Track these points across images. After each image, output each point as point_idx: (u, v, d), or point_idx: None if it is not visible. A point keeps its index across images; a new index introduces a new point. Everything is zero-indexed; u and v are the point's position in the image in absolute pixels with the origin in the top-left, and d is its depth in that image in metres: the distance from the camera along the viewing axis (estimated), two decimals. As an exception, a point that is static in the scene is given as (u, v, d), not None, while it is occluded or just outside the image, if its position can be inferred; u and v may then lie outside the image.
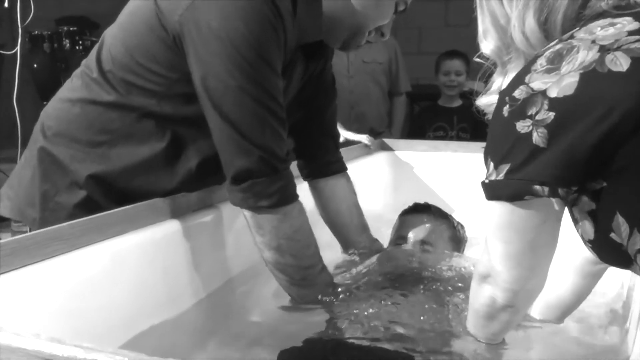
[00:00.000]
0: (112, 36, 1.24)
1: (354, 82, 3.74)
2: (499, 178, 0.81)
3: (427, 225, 1.46)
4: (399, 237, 1.48)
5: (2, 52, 3.51)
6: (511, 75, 0.87)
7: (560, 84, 0.75)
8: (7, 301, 0.87)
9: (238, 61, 1.08)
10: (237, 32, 1.07)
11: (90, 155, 1.21)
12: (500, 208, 0.85)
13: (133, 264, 1.14)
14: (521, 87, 0.79)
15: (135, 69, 1.18)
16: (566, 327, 1.17)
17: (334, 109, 1.57)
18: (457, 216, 1.69)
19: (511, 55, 0.92)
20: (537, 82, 0.77)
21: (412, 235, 1.45)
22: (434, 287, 1.26)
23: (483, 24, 1.01)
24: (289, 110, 1.31)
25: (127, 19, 1.24)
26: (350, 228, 1.57)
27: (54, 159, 1.23)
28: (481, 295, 0.95)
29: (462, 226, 1.59)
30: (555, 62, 0.77)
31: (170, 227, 1.24)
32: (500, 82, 0.95)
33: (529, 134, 0.77)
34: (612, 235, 0.77)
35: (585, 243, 0.84)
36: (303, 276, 1.22)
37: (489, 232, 0.90)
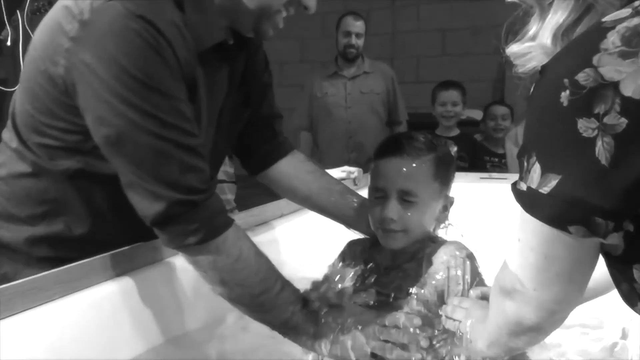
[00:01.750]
0: (19, 101, 1.14)
1: (352, 113, 3.74)
2: (542, 190, 0.65)
3: (404, 170, 1.20)
4: (374, 189, 1.26)
5: (3, 88, 3.50)
6: (551, 25, 0.71)
7: (638, 79, 0.58)
8: None
9: (124, 97, 0.97)
10: (117, 67, 0.96)
11: (37, 230, 1.15)
12: (536, 226, 0.69)
13: (75, 332, 1.05)
14: (587, 70, 0.61)
15: (45, 131, 1.09)
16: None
17: (271, 94, 1.44)
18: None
19: None
20: (608, 67, 0.60)
21: (389, 186, 1.21)
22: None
23: None
24: (234, 115, 1.26)
25: (24, 77, 1.13)
26: (333, 195, 1.43)
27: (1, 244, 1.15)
28: (506, 312, 0.84)
29: (447, 145, 1.32)
30: (633, 44, 0.59)
31: (122, 284, 1.16)
32: (537, 29, 0.76)
33: (593, 141, 0.60)
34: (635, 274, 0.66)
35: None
36: (259, 302, 1.12)
37: (519, 243, 0.76)
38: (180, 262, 1.26)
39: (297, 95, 4.07)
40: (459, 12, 5.36)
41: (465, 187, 2.12)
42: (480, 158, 3.58)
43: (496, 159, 3.65)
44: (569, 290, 0.76)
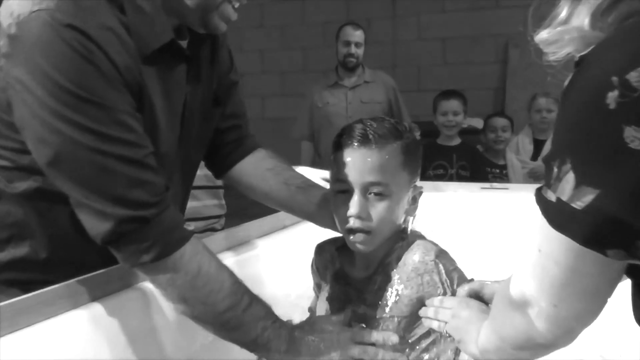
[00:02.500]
0: None
1: (353, 122, 3.74)
2: (576, 205, 0.57)
3: (369, 160, 1.08)
4: (337, 180, 1.13)
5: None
6: (589, 3, 0.62)
7: None
8: None
9: (59, 113, 0.91)
10: (49, 81, 0.91)
11: (3, 255, 1.10)
12: (564, 240, 0.61)
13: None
14: None
15: None
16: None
17: (237, 92, 1.37)
18: (460, 258, 1.64)
19: None
20: None
21: (354, 180, 1.09)
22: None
23: None
24: (204, 116, 1.22)
25: None
26: (292, 191, 1.34)
27: None
28: (515, 326, 0.77)
29: (413, 131, 1.18)
30: None
31: (93, 311, 1.07)
32: (569, 10, 0.65)
33: None
34: None
35: None
36: (225, 320, 1.05)
37: (540, 254, 0.68)
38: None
39: (300, 104, 4.08)
40: (459, 21, 5.38)
41: (467, 196, 2.12)
42: (482, 168, 3.58)
43: (497, 170, 3.65)
44: (592, 308, 0.69)
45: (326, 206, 1.23)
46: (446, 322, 1.04)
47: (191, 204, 2.28)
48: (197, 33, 1.13)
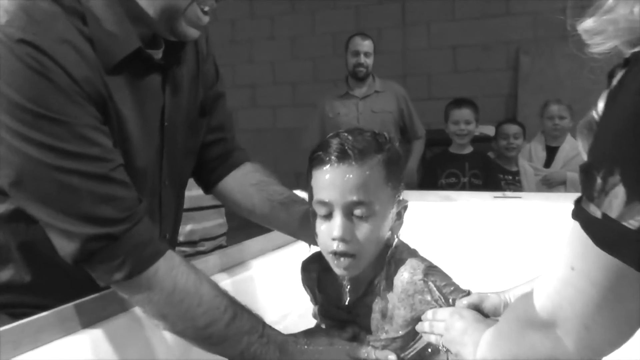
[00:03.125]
0: None
1: (364, 132, 3.75)
2: (628, 223, 0.51)
3: (349, 177, 1.00)
4: (317, 202, 1.04)
5: None
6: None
7: None
8: None
9: (16, 132, 0.88)
10: (4, 99, 0.88)
11: None
12: (607, 260, 0.55)
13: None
14: None
15: None
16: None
17: (223, 104, 1.33)
18: (473, 268, 1.63)
19: None
20: None
21: (335, 200, 1.01)
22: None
23: None
24: (190, 127, 1.19)
25: None
26: (275, 207, 1.29)
27: None
28: (536, 347, 0.70)
29: (393, 142, 1.10)
30: None
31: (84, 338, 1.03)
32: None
33: None
34: None
35: None
36: (207, 335, 1.01)
37: (574, 272, 0.61)
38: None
39: (310, 114, 4.09)
40: (469, 29, 5.37)
41: (479, 206, 2.10)
42: (495, 176, 3.56)
43: (510, 177, 3.63)
44: (628, 331, 0.62)
45: (309, 222, 1.14)
46: (442, 335, 1.01)
47: (204, 225, 2.28)
48: (174, 42, 1.09)
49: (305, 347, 1.07)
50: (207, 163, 1.32)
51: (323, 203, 1.03)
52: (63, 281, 1.07)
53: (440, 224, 2.13)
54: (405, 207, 1.11)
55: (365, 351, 1.08)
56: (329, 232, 1.03)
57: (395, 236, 1.10)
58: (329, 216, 1.03)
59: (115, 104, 1.00)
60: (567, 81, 4.84)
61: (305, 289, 1.26)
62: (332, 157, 1.02)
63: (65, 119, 0.90)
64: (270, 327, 1.07)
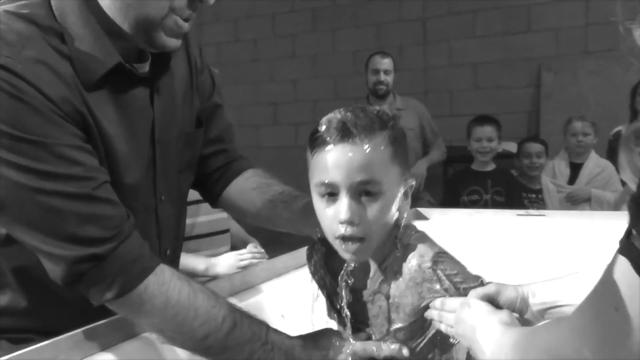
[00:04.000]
0: None
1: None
2: None
3: (357, 156, 0.94)
4: (320, 184, 0.98)
5: None
6: None
7: None
8: None
9: None
10: None
11: None
12: None
13: None
14: None
15: None
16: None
17: (221, 114, 1.32)
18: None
19: None
20: None
21: (340, 181, 0.95)
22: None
23: None
24: (185, 139, 1.18)
25: None
26: (277, 207, 1.26)
27: None
28: None
29: (396, 118, 1.05)
30: None
31: None
32: None
33: None
34: None
35: None
36: (207, 347, 1.00)
37: (618, 314, 0.54)
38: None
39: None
40: (490, 45, 5.36)
41: (502, 223, 2.08)
42: (517, 193, 3.53)
43: (533, 195, 3.60)
44: None
45: (311, 215, 1.10)
46: (451, 327, 0.97)
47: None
48: (160, 54, 1.08)
49: (316, 353, 1.03)
50: (209, 175, 1.31)
51: (327, 185, 0.97)
52: (59, 305, 1.07)
53: (462, 242, 2.11)
54: (412, 187, 1.04)
55: (375, 347, 1.04)
56: (336, 216, 0.97)
57: (404, 215, 1.05)
58: (333, 199, 0.97)
59: (98, 121, 0.99)
60: (590, 98, 4.81)
61: (314, 278, 1.20)
62: (335, 137, 0.95)
63: (44, 140, 0.89)
64: (276, 331, 1.04)
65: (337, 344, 1.05)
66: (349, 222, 0.95)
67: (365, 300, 1.07)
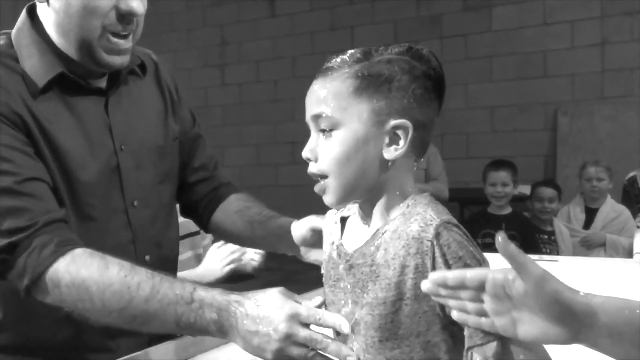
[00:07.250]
0: None
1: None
2: None
3: (315, 89, 0.91)
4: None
5: None
6: None
7: None
8: None
9: None
10: None
11: None
12: None
13: None
14: None
15: None
16: None
17: (203, 144, 1.41)
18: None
19: None
20: None
21: (306, 118, 0.91)
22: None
23: None
24: (165, 151, 1.27)
25: None
26: (256, 228, 1.30)
27: None
28: None
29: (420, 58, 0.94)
30: None
31: None
32: None
33: None
34: None
35: None
36: (130, 316, 0.99)
37: None
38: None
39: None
40: (506, 90, 5.42)
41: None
42: (533, 238, 3.54)
43: (545, 236, 3.60)
44: None
45: (285, 234, 1.18)
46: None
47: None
48: (116, 71, 1.19)
49: (246, 328, 0.92)
50: (197, 203, 1.39)
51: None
52: (53, 342, 1.13)
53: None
54: (406, 130, 0.86)
55: (320, 315, 0.91)
56: None
57: (409, 187, 0.90)
58: None
59: (42, 124, 1.10)
60: (606, 142, 4.84)
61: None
62: (319, 72, 0.92)
63: None
64: (205, 289, 0.98)
65: (275, 309, 0.91)
66: (306, 159, 0.91)
67: (351, 263, 0.91)
